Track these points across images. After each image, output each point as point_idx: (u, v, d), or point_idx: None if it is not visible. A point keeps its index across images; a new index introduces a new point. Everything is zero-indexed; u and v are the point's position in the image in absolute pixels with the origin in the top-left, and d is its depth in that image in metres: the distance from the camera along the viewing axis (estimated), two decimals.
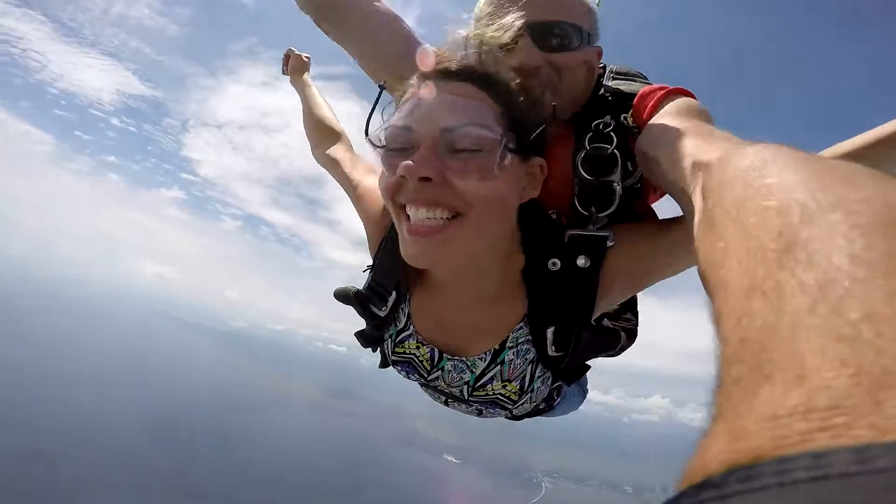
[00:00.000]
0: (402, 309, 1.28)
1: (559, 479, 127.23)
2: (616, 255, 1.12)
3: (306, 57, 2.07)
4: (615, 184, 1.13)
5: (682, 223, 1.11)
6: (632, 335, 1.53)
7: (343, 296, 1.33)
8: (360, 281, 1.34)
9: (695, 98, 1.17)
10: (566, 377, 1.29)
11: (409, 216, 0.97)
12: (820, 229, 0.32)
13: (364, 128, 1.14)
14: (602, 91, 1.31)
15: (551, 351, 1.16)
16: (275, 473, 79.98)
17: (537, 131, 1.05)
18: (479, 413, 1.47)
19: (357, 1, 1.35)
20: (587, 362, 1.35)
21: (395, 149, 0.99)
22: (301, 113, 1.91)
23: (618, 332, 1.25)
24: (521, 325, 1.18)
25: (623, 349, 1.51)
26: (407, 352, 1.31)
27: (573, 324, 1.14)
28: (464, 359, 1.26)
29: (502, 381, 1.25)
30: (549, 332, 1.15)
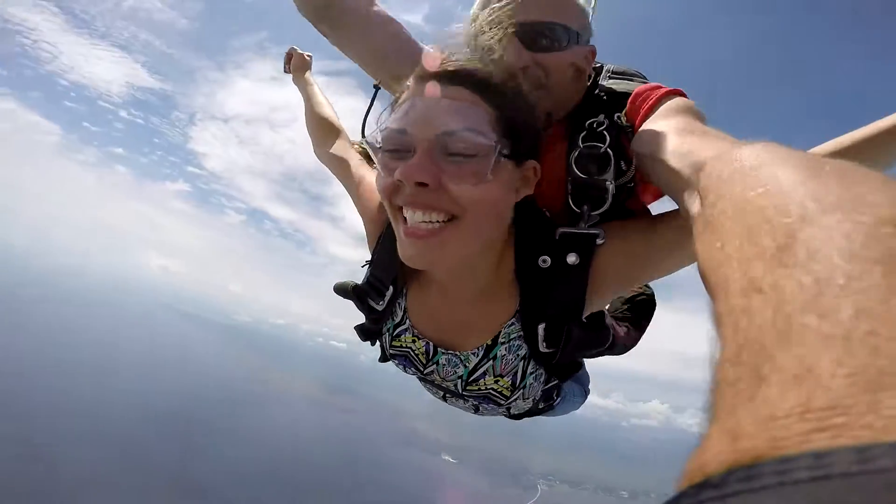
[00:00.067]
0: (399, 303, 1.31)
1: (555, 481, 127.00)
2: (606, 253, 1.13)
3: (308, 56, 2.09)
4: (608, 182, 1.14)
5: (674, 220, 1.14)
6: (637, 334, 1.50)
7: (342, 290, 1.36)
8: (359, 276, 1.37)
9: (689, 98, 1.17)
10: (559, 374, 1.32)
11: (405, 218, 0.99)
12: (819, 229, 0.32)
13: (360, 128, 1.11)
14: (597, 91, 1.31)
15: (542, 347, 1.18)
16: (273, 469, 79.98)
17: (531, 135, 1.06)
18: (477, 410, 1.48)
19: (355, 4, 1.36)
20: (582, 359, 1.32)
21: (392, 150, 1.00)
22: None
23: (608, 329, 1.24)
24: (512, 321, 1.20)
25: (627, 347, 1.48)
26: (403, 345, 1.34)
27: (563, 320, 1.15)
28: (457, 353, 1.28)
29: (494, 376, 1.26)
30: (540, 328, 1.17)
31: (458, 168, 0.96)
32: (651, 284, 1.87)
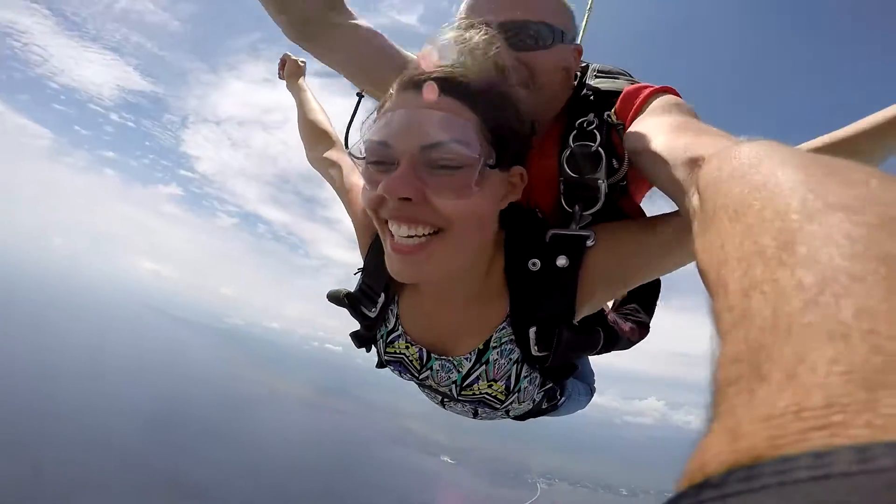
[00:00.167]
0: (392, 310, 1.30)
1: (554, 480, 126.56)
2: (597, 255, 1.11)
3: (302, 62, 2.10)
4: (600, 181, 1.12)
5: (669, 221, 1.12)
6: (643, 328, 1.51)
7: (335, 298, 1.37)
8: (352, 282, 1.37)
9: (679, 96, 1.16)
10: (553, 377, 1.30)
11: (391, 232, 0.99)
12: (820, 228, 0.32)
13: (343, 139, 1.12)
14: (584, 90, 1.30)
15: (535, 351, 1.17)
16: (268, 473, 78.73)
17: (518, 141, 1.04)
18: (475, 414, 1.48)
19: (339, 21, 1.36)
20: (579, 360, 1.29)
21: (375, 162, 0.99)
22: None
23: (599, 332, 1.24)
24: (503, 325, 1.19)
25: (632, 343, 1.49)
26: (397, 352, 1.33)
27: (554, 323, 1.14)
28: (450, 358, 1.27)
29: (487, 381, 1.25)
30: (532, 331, 1.15)
31: (442, 181, 0.94)
32: None
